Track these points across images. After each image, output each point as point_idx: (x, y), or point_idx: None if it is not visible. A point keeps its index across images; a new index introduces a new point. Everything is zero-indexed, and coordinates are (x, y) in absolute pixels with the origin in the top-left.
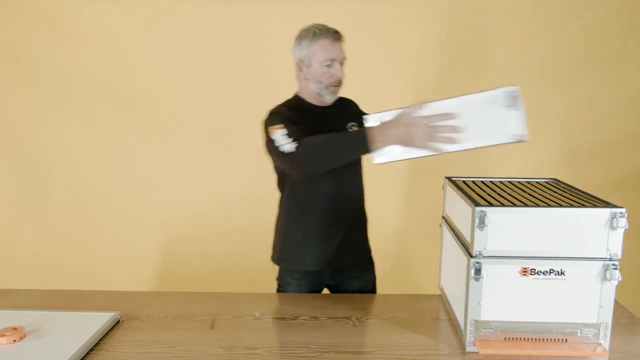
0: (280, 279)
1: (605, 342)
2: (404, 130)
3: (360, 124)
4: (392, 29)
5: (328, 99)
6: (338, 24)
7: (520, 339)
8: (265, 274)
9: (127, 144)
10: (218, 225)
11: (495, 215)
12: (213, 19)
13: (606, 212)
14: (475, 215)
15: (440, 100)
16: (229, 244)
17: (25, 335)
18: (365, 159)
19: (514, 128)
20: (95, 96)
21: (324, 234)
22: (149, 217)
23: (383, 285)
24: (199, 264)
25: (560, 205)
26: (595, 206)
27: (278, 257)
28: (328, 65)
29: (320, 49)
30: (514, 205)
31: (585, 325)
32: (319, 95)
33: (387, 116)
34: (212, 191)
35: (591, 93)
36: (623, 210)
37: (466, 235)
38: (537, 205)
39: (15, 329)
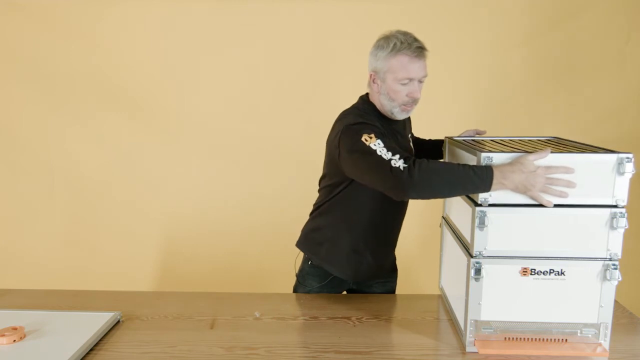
0: (302, 278)
1: (605, 342)
2: (525, 177)
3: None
4: (389, 29)
5: (399, 117)
6: (336, 24)
7: (520, 339)
8: (266, 274)
9: (128, 144)
10: (218, 225)
11: (495, 215)
12: (215, 20)
13: (606, 212)
14: (475, 215)
15: (554, 153)
16: (229, 244)
17: (25, 335)
18: None
19: (617, 192)
20: (95, 96)
21: (373, 249)
22: (149, 218)
23: None
24: (199, 264)
25: (561, 205)
26: (596, 206)
27: (323, 257)
28: (404, 84)
29: (399, 66)
30: (515, 205)
31: (585, 325)
32: (389, 112)
33: (506, 158)
34: (212, 192)
35: (591, 93)
36: (623, 210)
37: (466, 235)
38: (537, 205)
39: (15, 329)
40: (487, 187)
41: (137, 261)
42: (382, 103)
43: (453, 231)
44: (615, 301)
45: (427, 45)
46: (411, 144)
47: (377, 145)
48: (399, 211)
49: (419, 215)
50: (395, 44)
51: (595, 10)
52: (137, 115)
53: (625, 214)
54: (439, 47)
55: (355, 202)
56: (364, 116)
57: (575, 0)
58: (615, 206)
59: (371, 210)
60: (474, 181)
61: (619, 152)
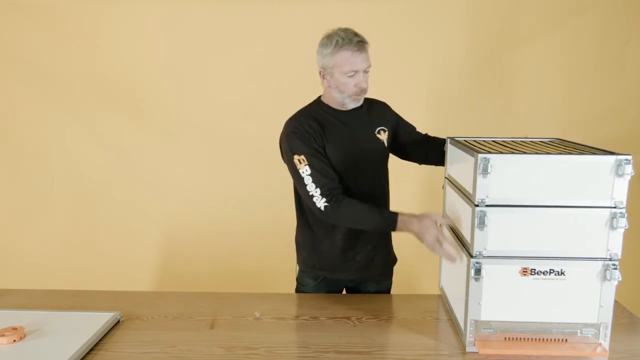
0: (300, 278)
1: (605, 342)
2: (419, 229)
3: (390, 128)
4: (389, 29)
5: (351, 106)
6: (336, 24)
7: (520, 339)
8: (265, 274)
9: (128, 145)
10: (218, 225)
11: (495, 215)
12: (215, 21)
13: (606, 212)
14: (475, 215)
15: (545, 154)
16: (229, 244)
17: (25, 335)
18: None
19: (616, 194)
20: (95, 96)
21: (353, 245)
22: (149, 218)
23: None
24: (199, 264)
25: (560, 205)
26: (596, 206)
27: (309, 264)
28: (351, 76)
29: (343, 60)
30: (515, 205)
31: (585, 325)
32: (342, 104)
33: (504, 159)
34: (212, 192)
35: (591, 93)
36: (623, 210)
37: (466, 235)
38: (537, 205)
39: (15, 329)
40: (389, 230)
41: (137, 261)
42: (334, 96)
43: (453, 231)
44: (615, 301)
45: (428, 45)
46: (382, 136)
47: (304, 173)
48: (374, 202)
49: None
50: (337, 41)
51: (595, 10)
52: (137, 115)
53: (625, 214)
54: (439, 47)
55: None
56: (297, 122)
57: (575, 1)
58: (614, 207)
59: None
60: (377, 226)
61: (618, 154)
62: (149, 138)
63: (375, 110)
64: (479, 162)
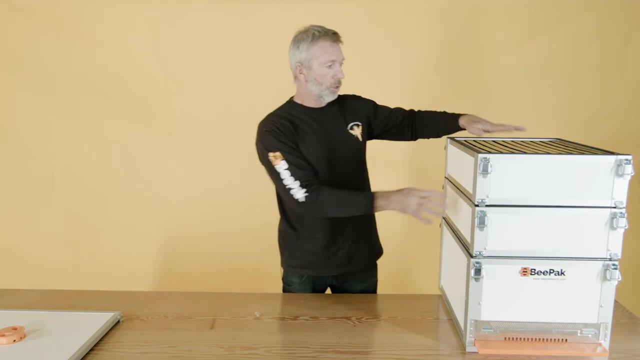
0: (286, 279)
1: (605, 342)
2: (401, 199)
3: (364, 121)
4: (390, 28)
5: (328, 99)
6: (336, 24)
7: (520, 339)
8: (265, 274)
9: (127, 144)
10: (218, 225)
11: (495, 215)
12: (214, 20)
13: (606, 212)
14: (475, 215)
15: (545, 154)
16: (229, 244)
17: (25, 335)
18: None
19: (616, 194)
20: (95, 96)
21: (335, 241)
22: (149, 218)
23: (383, 285)
24: (199, 264)
25: (560, 205)
26: (596, 206)
27: (292, 264)
28: (329, 67)
29: (321, 51)
30: (515, 205)
31: (585, 325)
32: (319, 97)
33: (503, 158)
34: (212, 191)
35: (591, 93)
36: (623, 210)
37: (466, 235)
38: (537, 205)
39: (15, 329)
40: (370, 209)
41: (137, 261)
42: (311, 90)
43: (453, 231)
44: (615, 301)
45: (426, 44)
46: (356, 131)
47: (281, 168)
48: None
49: None
50: (314, 34)
51: (595, 10)
52: (138, 115)
53: (625, 214)
54: (438, 47)
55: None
56: (269, 122)
57: (575, 0)
58: (614, 207)
59: None
60: (357, 208)
61: (618, 154)
62: (149, 138)
63: (347, 106)
64: (479, 162)
